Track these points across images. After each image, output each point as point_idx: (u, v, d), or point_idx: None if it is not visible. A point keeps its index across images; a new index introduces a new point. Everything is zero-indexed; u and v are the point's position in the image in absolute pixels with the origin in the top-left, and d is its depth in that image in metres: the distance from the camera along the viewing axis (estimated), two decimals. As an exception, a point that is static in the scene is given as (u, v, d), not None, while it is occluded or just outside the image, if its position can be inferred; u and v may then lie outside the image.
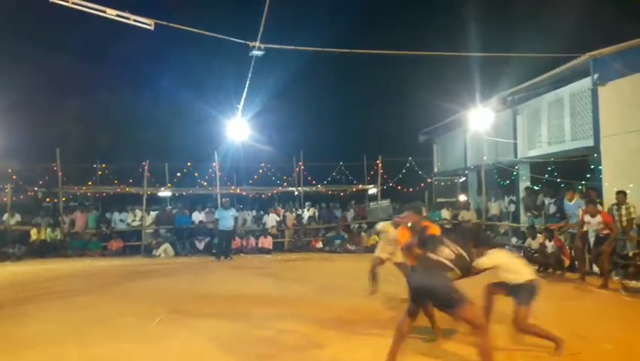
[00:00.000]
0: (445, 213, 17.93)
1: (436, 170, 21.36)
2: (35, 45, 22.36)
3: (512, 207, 16.56)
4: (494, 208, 17.33)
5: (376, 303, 7.74)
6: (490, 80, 15.85)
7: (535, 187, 16.12)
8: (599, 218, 9.33)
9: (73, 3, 7.89)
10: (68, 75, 25.26)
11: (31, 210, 18.25)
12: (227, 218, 15.34)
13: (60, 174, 17.85)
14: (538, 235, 11.93)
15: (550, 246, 11.02)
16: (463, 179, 20.28)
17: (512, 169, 16.19)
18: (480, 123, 15.72)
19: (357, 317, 6.84)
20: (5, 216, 16.80)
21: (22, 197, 18.89)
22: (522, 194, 15.60)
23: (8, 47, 20.79)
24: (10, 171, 18.20)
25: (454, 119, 18.28)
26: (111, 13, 8.11)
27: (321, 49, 10.92)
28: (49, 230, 16.75)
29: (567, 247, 11.09)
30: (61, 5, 7.89)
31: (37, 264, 14.32)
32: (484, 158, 16.79)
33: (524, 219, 15.15)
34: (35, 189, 19.08)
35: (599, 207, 9.90)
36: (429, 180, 20.51)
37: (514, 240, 15.01)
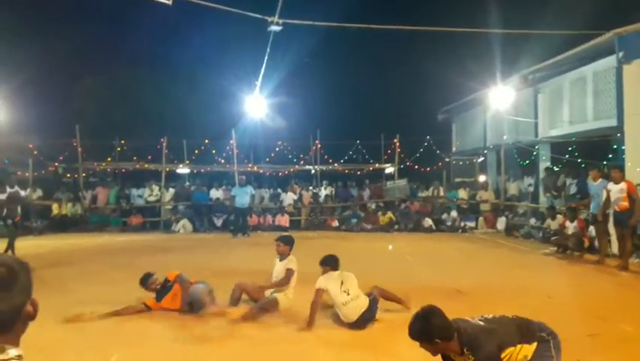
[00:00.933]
0: (463, 193, 17.82)
1: (454, 149, 21.14)
2: (55, 20, 22.43)
3: (531, 188, 16.38)
4: (513, 188, 17.15)
5: (396, 281, 7.76)
6: (511, 58, 15.53)
7: (556, 168, 15.89)
8: (622, 185, 9.01)
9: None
10: (87, 52, 25.36)
11: (52, 185, 18.57)
12: (244, 195, 15.43)
13: (80, 149, 18.07)
14: (558, 216, 11.81)
15: (572, 227, 10.88)
16: (481, 159, 20.06)
17: (532, 149, 15.95)
18: (500, 102, 15.46)
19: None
20: (28, 191, 17.11)
21: (43, 172, 19.20)
22: (542, 174, 15.40)
23: (29, 22, 20.89)
24: (30, 146, 18.48)
25: (473, 97, 18.00)
26: (129, -12, 8.05)
27: (338, 24, 10.81)
28: (69, 205, 17.05)
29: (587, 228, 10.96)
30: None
31: (58, 238, 14.61)
32: (504, 137, 16.56)
33: (544, 199, 14.98)
34: (56, 164, 19.36)
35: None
36: (447, 160, 20.31)
37: (532, 220, 14.87)
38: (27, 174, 17.55)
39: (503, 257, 11.09)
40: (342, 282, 5.57)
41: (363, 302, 5.45)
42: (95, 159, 19.00)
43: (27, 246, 11.76)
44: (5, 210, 10.59)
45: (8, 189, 11.00)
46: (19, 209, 11.19)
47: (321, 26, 9.37)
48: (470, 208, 17.67)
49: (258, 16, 7.73)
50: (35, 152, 18.36)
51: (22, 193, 11.80)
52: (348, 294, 5.46)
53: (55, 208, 16.87)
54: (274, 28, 7.83)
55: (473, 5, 18.13)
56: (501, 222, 15.94)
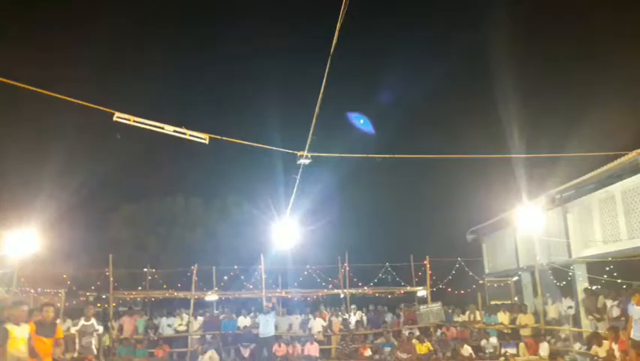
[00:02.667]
0: (503, 317, 17.01)
1: (487, 270, 20.67)
2: (92, 154, 23.98)
3: (572, 310, 15.64)
4: (552, 311, 16.38)
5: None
6: (537, 178, 15.75)
7: (595, 288, 15.29)
8: None
9: (134, 121, 8.55)
10: (122, 183, 26.76)
11: (82, 315, 18.53)
12: (268, 323, 15.00)
13: (111, 279, 18.28)
14: (605, 342, 11.13)
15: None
16: (516, 278, 19.48)
17: (568, 269, 15.50)
18: (529, 222, 15.36)
19: None
20: (58, 321, 17.08)
21: (74, 302, 19.34)
22: (581, 295, 14.79)
23: (69, 156, 22.34)
24: (65, 276, 18.85)
25: (501, 217, 17.98)
26: (169, 129, 8.69)
27: (364, 155, 11.25)
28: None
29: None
30: (125, 124, 8.53)
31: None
32: (537, 258, 16.22)
33: (586, 322, 14.22)
34: (87, 294, 19.53)
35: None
36: (481, 282, 19.78)
37: (577, 346, 14.00)
38: (59, 305, 17.64)
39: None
40: None
41: None
42: (125, 288, 19.14)
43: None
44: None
45: (82, 322, 10.19)
46: (93, 344, 10.26)
47: (348, 157, 9.83)
48: (511, 334, 16.80)
49: (288, 151, 8.20)
50: (69, 282, 18.67)
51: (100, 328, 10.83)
52: None
53: (83, 340, 16.67)
54: (303, 161, 8.23)
55: (497, 129, 18.85)
56: (544, 348, 15.00)
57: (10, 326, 7.32)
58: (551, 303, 16.51)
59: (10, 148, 21.47)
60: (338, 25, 5.49)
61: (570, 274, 15.54)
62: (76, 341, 9.74)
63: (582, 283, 15.03)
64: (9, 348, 7.22)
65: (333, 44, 5.96)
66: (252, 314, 17.53)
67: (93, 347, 10.09)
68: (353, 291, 19.33)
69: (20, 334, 7.40)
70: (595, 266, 15.10)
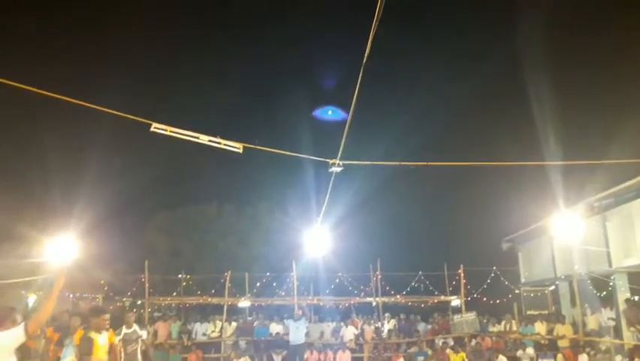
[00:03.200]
0: (540, 328, 16.58)
1: (523, 280, 20.22)
2: (129, 163, 24.51)
3: (612, 322, 15.13)
4: (592, 322, 15.89)
5: None
6: (575, 186, 15.35)
7: (637, 299, 14.78)
8: None
9: (171, 131, 8.75)
10: (157, 191, 27.29)
11: (117, 321, 18.95)
12: (299, 330, 15.00)
13: (147, 285, 18.65)
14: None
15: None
16: (552, 288, 18.98)
17: (608, 279, 15.02)
18: (566, 230, 14.95)
19: None
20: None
21: (110, 307, 19.77)
22: (622, 306, 14.30)
23: (105, 165, 22.92)
24: (102, 282, 19.33)
25: (538, 226, 17.57)
26: (204, 138, 8.84)
27: (397, 162, 11.19)
28: (134, 341, 17.15)
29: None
30: (161, 134, 8.72)
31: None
32: (575, 267, 15.77)
33: (628, 334, 13.74)
34: (124, 299, 19.98)
35: None
36: (517, 291, 19.34)
37: (618, 359, 13.53)
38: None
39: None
40: None
41: None
42: (160, 294, 19.50)
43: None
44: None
45: (124, 330, 10.28)
46: (138, 351, 10.16)
47: (380, 165, 9.81)
48: (547, 344, 16.36)
49: (320, 159, 8.23)
50: (106, 287, 19.12)
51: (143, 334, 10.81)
52: None
53: (120, 344, 17.03)
54: (335, 169, 8.24)
55: (533, 134, 18.49)
56: (583, 360, 14.57)
57: (93, 335, 7.44)
58: (591, 314, 16.03)
59: (51, 157, 22.19)
60: (372, 31, 5.50)
61: (610, 284, 15.06)
62: (121, 349, 9.65)
63: (623, 294, 14.53)
64: (93, 357, 7.34)
65: (367, 52, 5.97)
66: (284, 321, 17.58)
67: (139, 355, 10.06)
68: (385, 299, 19.19)
69: (103, 342, 7.52)
70: (637, 276, 14.59)
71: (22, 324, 3.82)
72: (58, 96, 6.96)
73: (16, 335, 3.80)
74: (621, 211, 14.08)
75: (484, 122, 29.17)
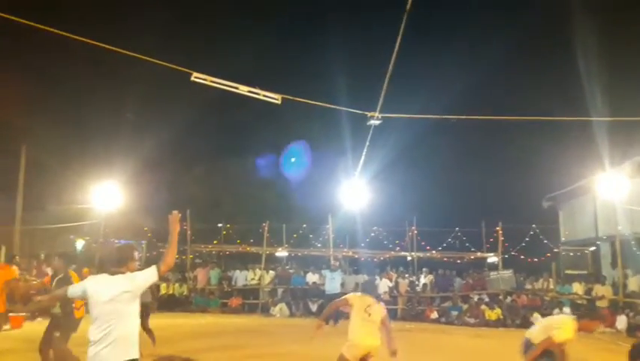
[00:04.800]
0: (577, 288, 16.40)
1: (563, 239, 19.86)
2: (171, 114, 24.86)
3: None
4: (633, 283, 15.57)
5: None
6: (622, 144, 14.76)
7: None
8: None
9: (211, 81, 8.79)
10: (199, 143, 27.74)
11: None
12: (334, 281, 15.31)
13: (189, 232, 19.28)
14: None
15: None
16: (593, 248, 18.60)
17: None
18: (611, 190, 14.51)
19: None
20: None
21: (154, 253, 20.60)
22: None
23: (147, 114, 23.33)
24: (145, 228, 20.09)
25: (581, 184, 17.10)
26: (243, 89, 8.85)
27: (437, 116, 10.98)
28: (177, 285, 17.97)
29: None
30: (202, 84, 8.78)
31: (164, 317, 15.26)
32: (619, 228, 15.35)
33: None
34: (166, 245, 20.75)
35: None
36: (556, 250, 19.04)
37: (659, 321, 13.30)
38: (140, 255, 18.91)
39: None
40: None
41: None
42: (202, 242, 20.17)
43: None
44: None
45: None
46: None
47: (419, 118, 9.64)
48: (585, 304, 16.18)
49: (358, 112, 8.15)
50: (149, 234, 19.89)
51: None
52: None
53: (163, 288, 17.84)
54: (374, 122, 8.15)
55: (579, 90, 17.72)
56: (621, 321, 14.39)
57: None
58: (632, 275, 15.68)
59: (95, 106, 22.77)
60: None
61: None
62: None
63: (668, 256, 14.15)
64: None
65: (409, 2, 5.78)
66: (321, 271, 17.94)
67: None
68: (420, 254, 19.28)
69: None
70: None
71: (154, 266, 4.00)
72: (101, 44, 7.06)
73: (150, 276, 3.97)
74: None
75: (528, 76, 28.10)
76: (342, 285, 16.04)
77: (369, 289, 6.39)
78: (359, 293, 6.26)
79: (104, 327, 3.71)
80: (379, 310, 5.83)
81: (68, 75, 21.87)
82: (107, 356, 3.68)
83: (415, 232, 19.04)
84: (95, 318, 3.76)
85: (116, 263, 3.99)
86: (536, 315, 15.44)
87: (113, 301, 3.75)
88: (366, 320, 5.72)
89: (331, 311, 6.01)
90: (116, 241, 20.38)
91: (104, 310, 3.74)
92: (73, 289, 4.04)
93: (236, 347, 10.14)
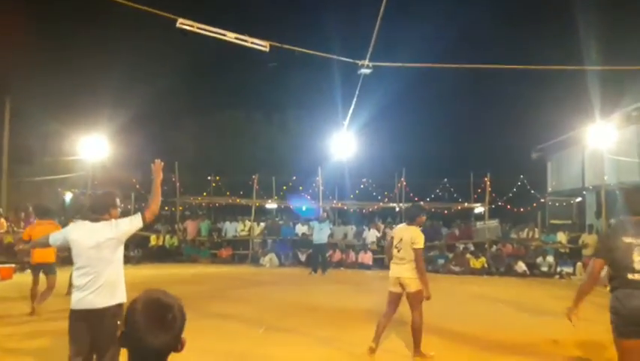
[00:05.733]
0: (562, 237, 16.75)
1: (550, 189, 20.10)
2: (157, 64, 24.31)
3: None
4: (616, 233, 15.89)
5: (486, 325, 7.45)
6: (612, 95, 14.72)
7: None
8: None
9: (197, 27, 8.53)
10: (187, 95, 27.26)
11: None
12: (322, 231, 15.45)
13: (178, 184, 19.23)
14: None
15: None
16: (579, 199, 18.88)
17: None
18: (600, 141, 14.61)
19: (464, 339, 6.63)
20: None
21: (143, 205, 20.57)
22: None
23: (135, 66, 22.81)
24: (134, 180, 19.98)
25: (570, 135, 17.18)
26: (230, 36, 8.61)
27: (428, 64, 10.84)
28: (167, 237, 18.08)
29: None
30: (187, 30, 8.52)
31: (155, 268, 15.47)
32: (605, 178, 15.54)
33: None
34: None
35: None
36: (542, 200, 19.30)
37: None
38: (129, 207, 18.91)
39: (604, 307, 10.24)
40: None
41: None
42: (191, 194, 20.16)
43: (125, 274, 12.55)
44: None
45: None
46: None
47: (410, 67, 9.48)
48: (569, 253, 16.58)
49: (349, 60, 8.00)
50: (138, 185, 19.79)
51: None
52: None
53: (153, 239, 17.95)
54: (364, 71, 8.02)
55: (570, 40, 17.48)
56: (603, 270, 14.76)
57: None
58: (616, 225, 15.98)
59: (82, 56, 22.17)
60: None
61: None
62: None
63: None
64: None
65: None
66: (309, 222, 18.11)
67: None
68: (408, 205, 19.44)
69: None
70: (668, 188, 14.33)
71: (139, 213, 4.03)
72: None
73: (135, 222, 3.98)
74: (660, 122, 13.58)
75: (519, 25, 27.65)
76: (331, 235, 16.24)
77: (411, 215, 6.24)
78: (401, 226, 6.26)
79: (90, 273, 3.74)
80: (407, 249, 5.81)
81: (53, 24, 21.21)
82: (94, 300, 3.72)
83: (404, 183, 19.15)
84: (80, 265, 3.78)
85: (98, 210, 3.98)
86: (520, 263, 15.83)
87: (98, 247, 3.77)
88: (396, 256, 5.90)
89: (390, 254, 6.03)
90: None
91: (90, 257, 3.76)
92: (55, 237, 4.02)
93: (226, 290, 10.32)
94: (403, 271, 5.78)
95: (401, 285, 5.81)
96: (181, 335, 1.65)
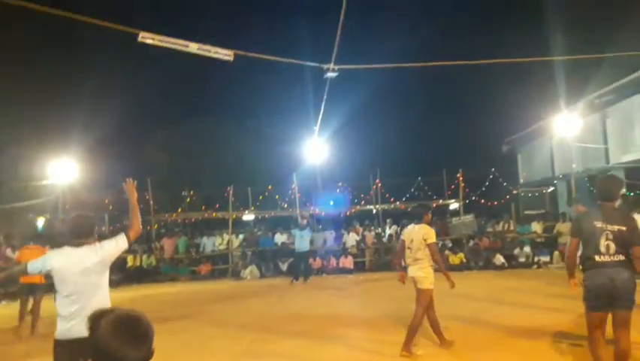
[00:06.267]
0: (536, 227, 17.02)
1: (521, 181, 20.44)
2: (123, 81, 23.99)
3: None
4: (588, 219, 16.23)
5: (472, 326, 7.49)
6: (575, 84, 15.08)
7: (633, 194, 15.00)
8: None
9: (159, 40, 8.42)
10: (154, 109, 26.95)
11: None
12: (303, 239, 15.38)
13: (152, 202, 18.94)
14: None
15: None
16: (551, 189, 19.24)
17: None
18: (566, 129, 14.92)
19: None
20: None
21: (118, 225, 20.21)
22: (618, 202, 14.53)
23: (99, 83, 22.46)
24: (106, 201, 19.61)
25: (538, 126, 17.50)
26: (193, 47, 8.53)
27: (391, 65, 10.91)
28: (144, 256, 17.74)
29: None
30: (148, 44, 8.40)
31: (134, 290, 15.15)
32: (573, 166, 15.88)
33: (623, 229, 14.08)
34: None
35: None
36: (514, 192, 19.62)
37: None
38: (103, 228, 18.55)
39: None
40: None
41: None
42: (166, 211, 19.87)
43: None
44: None
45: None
46: None
47: (376, 69, 9.54)
48: (545, 242, 16.85)
49: (313, 64, 7.99)
50: (111, 207, 19.43)
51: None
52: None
53: (130, 260, 17.60)
54: (330, 75, 8.03)
55: (531, 32, 17.87)
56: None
57: None
58: (588, 211, 16.32)
59: (45, 80, 21.76)
60: None
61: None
62: None
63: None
64: None
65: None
66: (290, 231, 18.03)
67: None
68: (385, 206, 19.57)
69: None
70: (634, 172, 14.71)
71: (123, 233, 3.93)
72: (41, 8, 6.64)
73: (120, 243, 3.86)
74: (621, 108, 13.94)
75: (481, 17, 28.14)
76: (312, 242, 16.19)
77: (418, 215, 6.51)
78: (410, 227, 6.43)
79: (78, 301, 3.58)
80: (418, 247, 6.06)
81: (15, 45, 20.72)
82: (83, 329, 3.55)
83: (379, 185, 19.26)
84: (67, 293, 3.60)
85: (81, 234, 3.80)
86: (498, 256, 16.03)
87: (86, 272, 3.62)
88: (409, 256, 6.16)
89: (400, 258, 6.39)
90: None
91: (77, 283, 3.60)
92: (34, 265, 3.78)
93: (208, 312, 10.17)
94: (416, 270, 6.04)
95: (414, 283, 6.08)
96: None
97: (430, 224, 6.35)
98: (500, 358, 5.83)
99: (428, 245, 5.98)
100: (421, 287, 5.97)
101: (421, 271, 5.98)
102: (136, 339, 1.59)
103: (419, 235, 6.06)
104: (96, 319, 1.65)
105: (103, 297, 3.70)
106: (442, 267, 6.07)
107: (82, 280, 3.60)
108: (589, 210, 4.78)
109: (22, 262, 6.78)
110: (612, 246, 4.18)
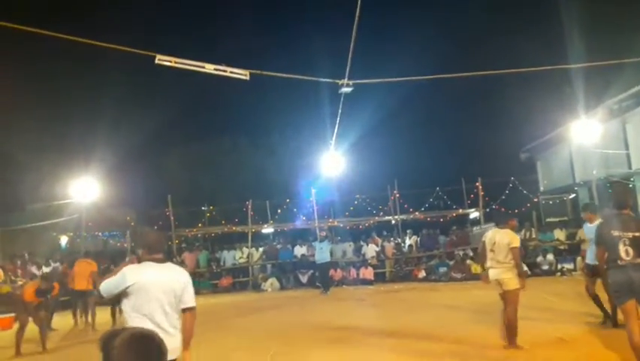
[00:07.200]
0: (559, 234, 16.80)
1: (542, 188, 20.21)
2: (142, 102, 24.48)
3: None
4: (611, 225, 15.97)
5: (489, 332, 7.43)
6: (593, 90, 14.93)
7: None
8: None
9: (175, 62, 8.63)
10: (173, 128, 27.37)
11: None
12: (323, 250, 15.46)
13: (172, 218, 19.19)
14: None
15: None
16: (572, 195, 18.98)
17: (628, 182, 14.94)
18: (585, 136, 14.75)
19: (467, 349, 6.62)
20: (127, 260, 18.26)
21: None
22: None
23: (120, 104, 22.95)
24: (128, 218, 19.94)
25: (556, 133, 17.33)
26: (209, 67, 8.73)
27: (405, 78, 10.95)
28: (166, 271, 17.93)
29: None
30: (166, 66, 8.62)
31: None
32: (594, 172, 15.67)
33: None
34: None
35: None
36: (535, 200, 19.41)
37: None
38: (125, 245, 18.82)
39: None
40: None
41: None
42: (186, 226, 20.12)
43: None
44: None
45: (52, 264, 12.15)
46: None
47: (390, 82, 9.61)
48: (568, 249, 16.62)
49: (328, 80, 8.10)
50: (132, 223, 19.75)
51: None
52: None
53: (153, 275, 17.80)
54: (345, 90, 8.12)
55: (550, 38, 17.76)
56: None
57: None
58: (611, 217, 16.07)
59: (67, 100, 22.34)
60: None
61: (630, 186, 14.99)
62: None
63: (644, 195, 14.50)
64: None
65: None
66: (311, 243, 18.09)
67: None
68: (404, 217, 19.52)
69: None
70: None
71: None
72: (67, 37, 6.90)
73: (187, 298, 3.64)
74: (641, 112, 13.77)
75: (499, 30, 28.01)
76: (331, 254, 16.24)
77: (503, 220, 6.77)
78: (491, 231, 6.63)
79: (158, 322, 3.33)
80: (502, 251, 6.28)
81: (37, 68, 21.36)
82: (177, 344, 3.45)
83: (397, 195, 19.23)
84: (146, 312, 3.32)
85: (158, 250, 3.56)
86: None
87: (172, 292, 3.43)
88: (492, 258, 6.40)
89: (484, 258, 6.61)
90: (99, 234, 20.22)
91: (163, 302, 3.38)
92: (108, 286, 3.42)
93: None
94: (500, 273, 6.30)
95: (500, 285, 6.33)
96: None
97: (513, 229, 6.65)
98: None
99: (511, 249, 6.25)
100: (508, 288, 6.25)
101: (506, 273, 6.25)
102: (150, 357, 1.61)
103: (504, 239, 6.32)
104: (109, 338, 1.66)
105: (178, 319, 3.49)
106: (520, 271, 6.35)
107: (166, 299, 3.40)
108: (606, 219, 5.31)
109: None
110: (631, 250, 4.72)
